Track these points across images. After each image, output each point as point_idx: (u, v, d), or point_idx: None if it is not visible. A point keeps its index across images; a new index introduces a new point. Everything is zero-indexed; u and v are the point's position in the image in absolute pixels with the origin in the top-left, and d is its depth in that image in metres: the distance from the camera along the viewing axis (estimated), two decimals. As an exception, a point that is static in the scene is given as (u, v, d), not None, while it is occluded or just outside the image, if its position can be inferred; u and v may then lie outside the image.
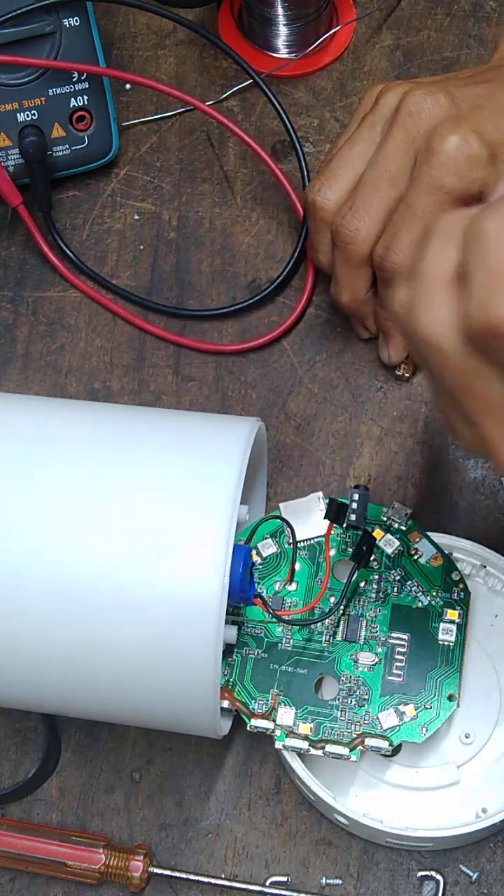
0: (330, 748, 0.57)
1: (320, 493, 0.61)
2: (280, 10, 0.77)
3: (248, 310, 0.72)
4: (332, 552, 0.60)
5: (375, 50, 0.79)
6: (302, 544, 0.60)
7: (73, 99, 0.72)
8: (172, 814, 0.62)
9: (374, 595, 0.59)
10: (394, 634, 0.59)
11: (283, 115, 0.72)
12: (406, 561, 0.60)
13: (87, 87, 0.72)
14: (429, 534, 0.60)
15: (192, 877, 0.60)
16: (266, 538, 0.61)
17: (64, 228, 0.75)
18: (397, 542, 0.60)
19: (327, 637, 0.59)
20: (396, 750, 0.57)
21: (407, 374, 0.68)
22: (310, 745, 0.57)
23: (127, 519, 0.53)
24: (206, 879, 0.60)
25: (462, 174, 0.61)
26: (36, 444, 0.56)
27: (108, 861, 0.59)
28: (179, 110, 0.78)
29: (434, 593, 0.59)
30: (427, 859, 0.60)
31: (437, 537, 0.60)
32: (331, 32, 0.78)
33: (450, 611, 0.59)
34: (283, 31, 0.78)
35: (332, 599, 0.59)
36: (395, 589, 0.59)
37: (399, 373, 0.68)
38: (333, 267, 0.67)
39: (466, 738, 0.60)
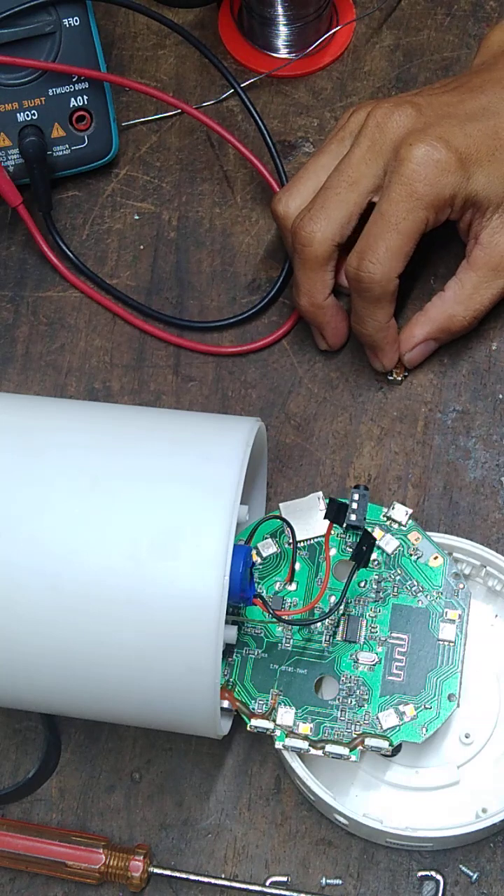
0: (330, 748, 0.57)
1: (320, 493, 0.61)
2: (280, 10, 0.77)
3: (248, 319, 0.72)
4: (332, 552, 0.60)
5: (375, 50, 0.79)
6: (302, 544, 0.60)
7: (72, 99, 0.72)
8: (172, 814, 0.62)
9: (374, 595, 0.59)
10: (394, 634, 0.59)
11: (262, 125, 0.73)
12: (406, 561, 0.60)
13: (87, 87, 0.72)
14: (429, 534, 0.60)
15: (192, 877, 0.60)
16: (266, 538, 0.61)
17: (64, 228, 0.75)
18: (397, 542, 0.60)
19: (327, 637, 0.59)
20: (396, 750, 0.57)
21: (399, 378, 0.69)
22: (310, 745, 0.57)
23: (127, 519, 0.53)
24: (206, 879, 0.60)
25: (432, 181, 0.63)
26: (36, 444, 0.56)
27: (108, 861, 0.59)
28: (179, 110, 0.78)
29: (434, 593, 0.59)
30: (427, 859, 0.60)
31: (437, 537, 0.60)
32: (331, 32, 0.78)
33: (450, 611, 0.59)
34: (283, 31, 0.78)
35: (332, 599, 0.59)
36: (395, 589, 0.59)
37: (391, 378, 0.69)
38: (294, 271, 0.68)
39: (466, 738, 0.60)
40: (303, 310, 0.68)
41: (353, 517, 0.57)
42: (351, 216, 0.65)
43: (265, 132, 0.73)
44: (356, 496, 0.57)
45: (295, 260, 0.67)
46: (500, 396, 0.68)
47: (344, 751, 0.56)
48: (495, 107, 0.65)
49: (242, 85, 0.75)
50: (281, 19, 0.77)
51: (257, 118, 0.73)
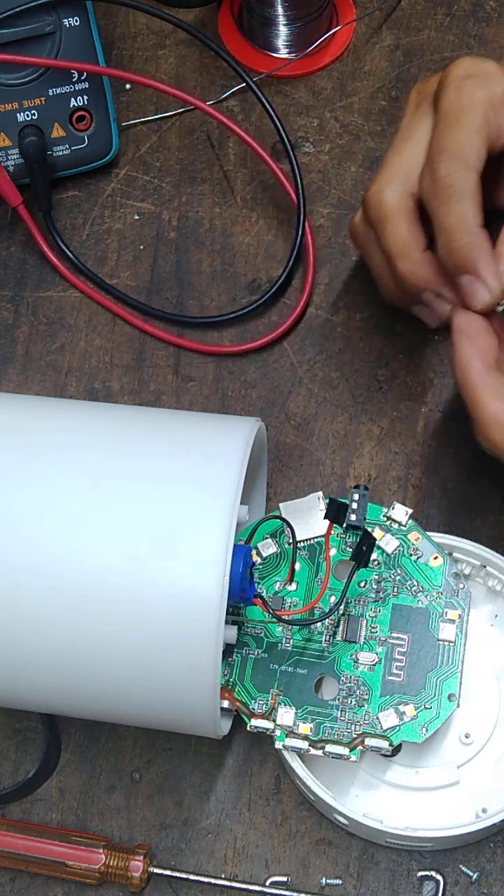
0: (330, 748, 0.57)
1: (320, 493, 0.61)
2: (280, 10, 0.77)
3: (247, 315, 0.72)
4: (332, 552, 0.60)
5: (375, 50, 0.79)
6: (302, 544, 0.60)
7: (73, 99, 0.72)
8: (172, 814, 0.62)
9: (374, 595, 0.59)
10: (394, 634, 0.59)
11: (276, 118, 0.72)
12: (406, 561, 0.60)
13: (87, 87, 0.72)
14: (429, 534, 0.60)
15: (192, 877, 0.60)
16: (266, 538, 0.61)
17: (64, 228, 0.75)
18: (397, 542, 0.60)
19: (327, 637, 0.59)
20: (396, 750, 0.57)
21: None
22: (310, 745, 0.57)
23: (127, 519, 0.53)
24: (206, 879, 0.60)
25: (481, 81, 0.60)
26: (36, 444, 0.56)
27: (108, 861, 0.59)
28: (179, 110, 0.78)
29: (434, 593, 0.59)
30: (427, 859, 0.60)
31: (437, 537, 0.60)
32: (331, 32, 0.78)
33: (450, 611, 0.59)
34: (283, 31, 0.78)
35: (332, 599, 0.59)
36: (395, 589, 0.59)
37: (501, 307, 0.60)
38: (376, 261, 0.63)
39: (466, 738, 0.60)
40: (403, 275, 0.62)
41: (353, 517, 0.57)
42: (414, 163, 0.61)
43: (278, 124, 0.72)
44: (356, 496, 0.57)
45: (378, 233, 0.62)
46: (500, 396, 0.68)
47: (344, 751, 0.56)
48: None
49: (242, 85, 0.75)
50: (281, 19, 0.77)
51: (270, 109, 0.72)
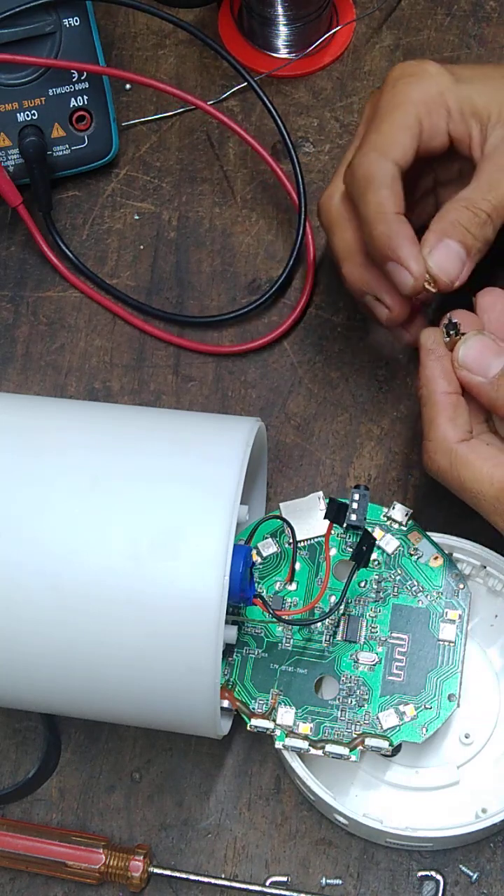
0: (330, 748, 0.57)
1: (320, 493, 0.61)
2: (280, 10, 0.77)
3: (247, 315, 0.72)
4: (332, 552, 0.60)
5: (375, 50, 0.79)
6: (302, 544, 0.60)
7: (73, 99, 0.72)
8: (172, 814, 0.62)
9: (374, 595, 0.59)
10: (394, 634, 0.59)
11: (277, 118, 0.72)
12: (406, 561, 0.60)
13: (87, 87, 0.72)
14: (429, 534, 0.60)
15: (192, 877, 0.60)
16: (266, 538, 0.61)
17: (64, 228, 0.75)
18: (397, 542, 0.60)
19: (327, 637, 0.59)
20: (396, 750, 0.57)
21: (433, 288, 0.60)
22: (310, 745, 0.57)
23: (127, 519, 0.53)
24: (206, 879, 0.60)
25: (417, 79, 0.62)
26: (36, 444, 0.56)
27: (108, 861, 0.59)
28: (179, 110, 0.78)
29: (434, 593, 0.59)
30: (427, 859, 0.60)
31: (437, 537, 0.60)
32: (331, 32, 0.78)
33: (450, 611, 0.59)
34: (283, 31, 0.78)
35: (332, 599, 0.59)
36: (396, 589, 0.59)
37: (428, 286, 0.60)
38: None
39: (466, 738, 0.60)
40: (345, 278, 0.64)
41: (353, 517, 0.57)
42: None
43: (280, 123, 0.72)
44: (356, 496, 0.57)
45: (327, 238, 0.64)
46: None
47: (344, 751, 0.56)
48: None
49: (242, 85, 0.75)
50: (281, 19, 0.77)
51: (271, 108, 0.72)
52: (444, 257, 0.60)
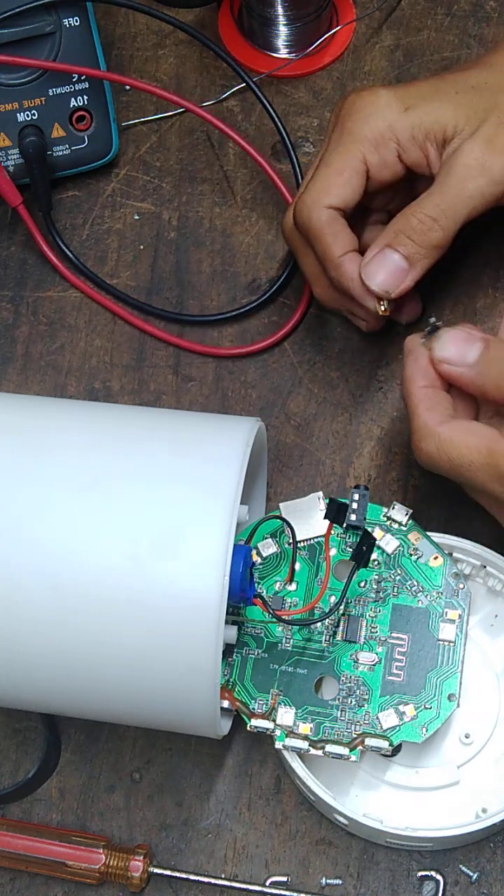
0: (330, 748, 0.57)
1: (320, 493, 0.61)
2: (280, 10, 0.77)
3: (247, 314, 0.72)
4: (332, 552, 0.60)
5: (375, 50, 0.79)
6: (302, 544, 0.60)
7: (73, 99, 0.72)
8: (172, 814, 0.62)
9: (374, 595, 0.59)
10: (394, 634, 0.59)
11: (276, 118, 0.72)
12: (406, 561, 0.60)
13: (86, 87, 0.72)
14: (429, 534, 0.60)
15: (192, 877, 0.60)
16: (266, 538, 0.61)
17: (64, 228, 0.75)
18: (397, 542, 0.60)
19: (327, 637, 0.59)
20: (396, 750, 0.57)
21: (382, 306, 0.64)
22: (310, 745, 0.57)
23: (127, 519, 0.53)
24: (206, 879, 0.60)
25: (363, 116, 0.64)
26: (36, 444, 0.56)
27: (108, 861, 0.59)
28: (179, 110, 0.78)
29: (434, 593, 0.59)
30: (427, 859, 0.60)
31: (437, 537, 0.60)
32: (331, 32, 0.78)
33: (450, 611, 0.59)
34: (283, 31, 0.78)
35: (332, 599, 0.59)
36: (395, 589, 0.59)
37: (382, 309, 0.64)
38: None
39: (466, 738, 0.60)
40: (318, 297, 0.68)
41: (353, 517, 0.57)
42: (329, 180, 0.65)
43: (279, 124, 0.72)
44: (356, 496, 0.57)
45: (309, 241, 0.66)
46: (500, 396, 0.68)
47: (344, 751, 0.56)
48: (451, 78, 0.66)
49: (242, 85, 0.75)
50: (281, 19, 0.77)
51: (271, 110, 0.73)
52: (383, 272, 0.63)
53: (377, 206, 0.68)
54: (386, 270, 0.63)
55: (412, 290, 0.64)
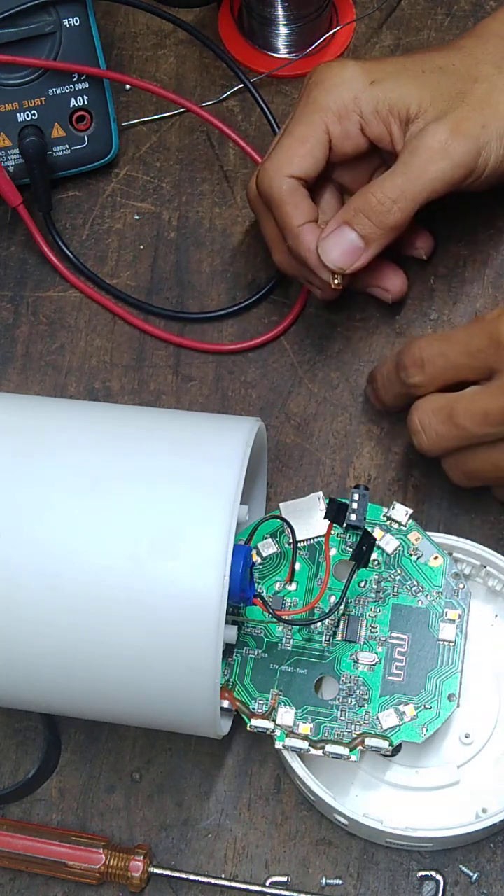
0: (330, 748, 0.57)
1: (320, 493, 0.61)
2: (280, 10, 0.77)
3: (247, 309, 0.72)
4: (332, 552, 0.60)
5: (375, 50, 0.79)
6: (302, 544, 0.60)
7: (73, 99, 0.72)
8: (172, 814, 0.62)
9: (374, 595, 0.59)
10: (394, 634, 0.59)
11: (273, 120, 0.73)
12: (406, 561, 0.60)
13: (87, 87, 0.72)
14: (429, 534, 0.60)
15: (192, 877, 0.60)
16: (266, 538, 0.61)
17: (64, 228, 0.75)
18: (397, 542, 0.60)
19: (327, 637, 0.59)
20: (396, 750, 0.57)
21: (336, 280, 0.65)
22: (310, 745, 0.57)
23: (127, 519, 0.53)
24: (206, 879, 0.60)
25: (328, 86, 0.65)
26: (36, 444, 0.56)
27: (108, 861, 0.59)
28: (180, 110, 0.78)
29: (434, 593, 0.59)
30: (427, 859, 0.60)
31: (437, 537, 0.60)
32: (331, 32, 0.78)
33: (450, 611, 0.59)
34: (283, 31, 0.78)
35: (332, 599, 0.59)
36: (395, 589, 0.59)
37: (336, 283, 0.66)
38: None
39: (466, 738, 0.60)
40: (277, 264, 0.69)
41: (353, 517, 0.57)
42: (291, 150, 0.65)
43: (277, 126, 0.73)
44: (356, 496, 0.57)
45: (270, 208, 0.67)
46: (500, 396, 0.68)
47: (344, 751, 0.56)
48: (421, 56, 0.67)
49: (242, 85, 0.75)
50: (281, 19, 0.77)
51: (266, 111, 0.73)
52: (338, 248, 0.64)
53: (339, 177, 0.68)
54: (341, 248, 0.64)
55: (418, 225, 0.67)
